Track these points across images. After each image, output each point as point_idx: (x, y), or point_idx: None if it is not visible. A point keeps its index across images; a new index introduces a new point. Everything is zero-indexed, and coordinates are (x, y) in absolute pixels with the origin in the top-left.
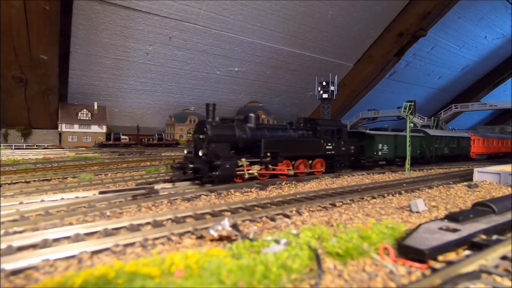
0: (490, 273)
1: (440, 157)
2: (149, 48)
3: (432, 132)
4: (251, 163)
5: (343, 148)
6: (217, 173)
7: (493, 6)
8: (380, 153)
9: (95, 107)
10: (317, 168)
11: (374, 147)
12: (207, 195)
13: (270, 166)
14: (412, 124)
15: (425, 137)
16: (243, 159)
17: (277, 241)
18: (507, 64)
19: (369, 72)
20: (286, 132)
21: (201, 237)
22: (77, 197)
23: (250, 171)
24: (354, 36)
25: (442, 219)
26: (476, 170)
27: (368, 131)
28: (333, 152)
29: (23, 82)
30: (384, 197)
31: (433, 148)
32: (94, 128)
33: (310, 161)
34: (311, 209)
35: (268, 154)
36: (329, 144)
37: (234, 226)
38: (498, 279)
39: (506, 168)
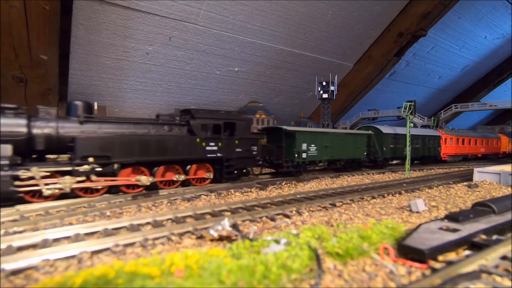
0: (490, 273)
1: (400, 159)
2: (149, 48)
3: (387, 129)
4: (56, 174)
5: (238, 149)
6: None
7: (493, 6)
8: (304, 155)
9: (95, 107)
10: (200, 175)
11: (295, 147)
12: (207, 195)
13: (96, 178)
14: (412, 124)
15: (377, 136)
16: (34, 168)
17: (277, 241)
18: (507, 64)
19: (369, 72)
20: (137, 128)
21: (201, 237)
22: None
23: (53, 186)
24: (354, 36)
25: (442, 219)
26: (476, 170)
27: (286, 127)
28: (219, 154)
29: (23, 82)
30: (384, 197)
31: (387, 149)
32: None
33: (189, 166)
34: (311, 209)
35: (91, 159)
36: (212, 144)
37: (234, 226)
38: (498, 279)
39: (506, 168)
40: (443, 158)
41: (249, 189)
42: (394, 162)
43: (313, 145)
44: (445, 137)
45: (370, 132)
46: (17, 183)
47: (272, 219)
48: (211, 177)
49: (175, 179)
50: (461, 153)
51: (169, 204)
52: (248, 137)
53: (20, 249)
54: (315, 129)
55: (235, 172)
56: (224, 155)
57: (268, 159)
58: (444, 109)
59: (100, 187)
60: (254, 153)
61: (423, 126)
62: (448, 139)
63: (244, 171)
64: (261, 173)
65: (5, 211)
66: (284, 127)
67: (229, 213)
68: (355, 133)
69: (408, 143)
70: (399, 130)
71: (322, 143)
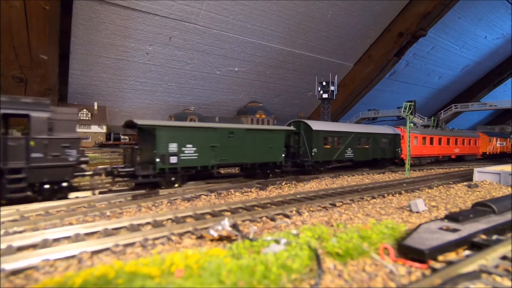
0: (490, 273)
1: (341, 163)
2: (149, 48)
3: (320, 125)
4: None
5: (35, 155)
6: None
7: (493, 6)
8: (174, 159)
9: (95, 107)
10: None
11: (156, 148)
12: (207, 195)
13: None
14: (412, 124)
15: (306, 133)
16: None
17: (277, 241)
18: (507, 64)
19: (369, 72)
20: None
21: (201, 237)
22: (77, 197)
23: None
24: (354, 36)
25: (442, 219)
26: (476, 170)
27: (141, 120)
28: None
29: (23, 82)
30: (384, 197)
31: (320, 151)
32: (94, 128)
33: None
34: (311, 209)
35: None
36: None
37: (234, 226)
38: (498, 279)
39: (506, 168)
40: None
41: (249, 189)
42: (332, 166)
43: (189, 145)
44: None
45: (291, 128)
46: None
47: (272, 219)
48: None
49: None
50: (429, 154)
51: (169, 204)
52: (57, 137)
53: (20, 249)
54: (194, 123)
55: (38, 188)
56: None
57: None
58: (444, 109)
59: None
60: (72, 159)
61: (424, 126)
62: (412, 138)
63: (64, 185)
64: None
65: (5, 211)
66: (139, 120)
67: (229, 213)
68: (265, 129)
69: (408, 143)
70: (338, 127)
71: (206, 143)
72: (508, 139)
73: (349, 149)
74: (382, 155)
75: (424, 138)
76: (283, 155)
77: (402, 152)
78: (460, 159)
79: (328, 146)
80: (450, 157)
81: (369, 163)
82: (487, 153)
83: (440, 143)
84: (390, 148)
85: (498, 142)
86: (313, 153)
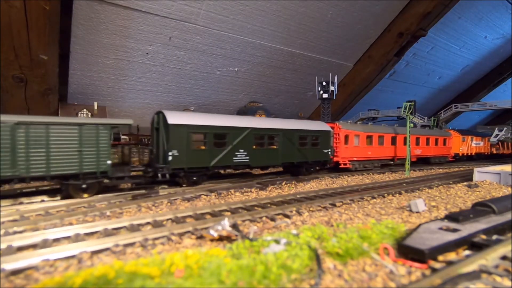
0: (490, 273)
1: (225, 168)
2: (149, 48)
3: (184, 118)
4: None
5: None
6: None
7: (493, 6)
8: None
9: (95, 107)
10: None
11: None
12: (207, 195)
13: None
14: (412, 124)
15: (164, 130)
16: None
17: (277, 241)
18: (507, 64)
19: (369, 72)
20: None
21: (201, 237)
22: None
23: None
24: (354, 36)
25: (442, 219)
26: (476, 170)
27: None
28: None
29: (23, 82)
30: (384, 197)
31: (183, 153)
32: None
33: None
34: (311, 209)
35: None
36: None
37: (234, 226)
38: (498, 279)
39: (506, 168)
40: (341, 165)
41: (249, 189)
42: (210, 174)
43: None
44: (344, 133)
45: (114, 122)
46: None
47: (272, 219)
48: None
49: None
50: (375, 157)
51: (169, 204)
52: None
53: (20, 249)
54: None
55: None
56: None
57: None
58: (444, 109)
59: None
60: None
61: (423, 126)
62: (351, 137)
63: None
64: None
65: (5, 211)
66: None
67: (229, 213)
68: (65, 122)
69: (408, 143)
70: (220, 120)
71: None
72: (486, 139)
73: (242, 150)
74: (301, 158)
75: (369, 137)
76: (108, 161)
77: (336, 153)
78: (425, 161)
79: (201, 147)
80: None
81: (290, 170)
82: (460, 154)
83: (393, 142)
84: (315, 149)
85: (474, 142)
86: (170, 157)
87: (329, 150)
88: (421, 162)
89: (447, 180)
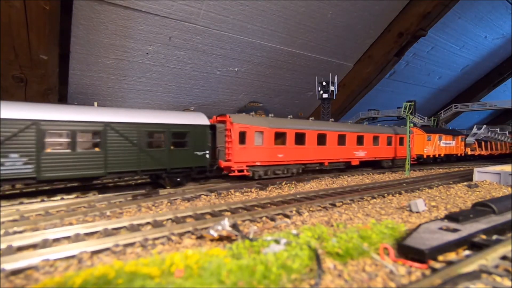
0: (490, 273)
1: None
2: (149, 48)
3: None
4: None
5: None
6: None
7: (493, 6)
8: None
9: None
10: None
11: None
12: (207, 195)
13: None
14: (412, 124)
15: None
16: None
17: (277, 241)
18: (507, 64)
19: (369, 72)
20: None
21: (201, 237)
22: (77, 197)
23: None
24: (354, 36)
25: (442, 219)
26: (476, 170)
27: None
28: None
29: (23, 82)
30: (384, 197)
31: None
32: None
33: None
34: (311, 209)
35: None
36: None
37: (234, 226)
38: (498, 279)
39: (506, 168)
40: (235, 172)
41: (249, 189)
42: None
43: None
44: (239, 129)
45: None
46: None
47: (272, 219)
48: None
49: None
50: (292, 160)
51: (169, 204)
52: None
53: (20, 249)
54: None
55: None
56: None
57: None
58: (444, 109)
59: None
60: None
61: (423, 126)
62: (249, 134)
63: None
64: None
65: (5, 211)
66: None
67: (229, 213)
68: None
69: (408, 143)
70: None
71: None
72: (458, 137)
73: (15, 156)
74: (150, 165)
75: (280, 135)
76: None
77: (228, 156)
78: (372, 164)
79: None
80: (350, 163)
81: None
82: (425, 156)
83: (322, 142)
84: (181, 151)
85: (443, 141)
86: None
87: (207, 152)
88: (370, 165)
89: (447, 180)
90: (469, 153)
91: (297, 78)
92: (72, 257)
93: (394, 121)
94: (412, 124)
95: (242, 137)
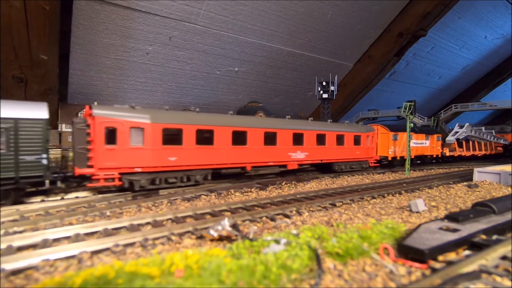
0: (490, 273)
1: None
2: (149, 48)
3: None
4: None
5: None
6: None
7: (493, 6)
8: None
9: None
10: None
11: None
12: (207, 195)
13: None
14: (412, 124)
15: None
16: None
17: (277, 241)
18: (507, 64)
19: (369, 72)
20: None
21: (201, 237)
22: (77, 197)
23: None
24: (354, 36)
25: (442, 219)
26: (476, 170)
27: None
28: None
29: (23, 82)
30: (384, 197)
31: None
32: None
33: None
34: (311, 209)
35: None
36: None
37: (234, 226)
38: (498, 279)
39: (506, 168)
40: (101, 181)
41: (249, 189)
42: None
43: None
44: (105, 123)
45: None
46: None
47: (272, 219)
48: None
49: None
50: (199, 165)
51: (169, 204)
52: None
53: (20, 249)
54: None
55: None
56: None
57: None
58: (444, 109)
59: None
60: None
61: (423, 126)
62: (122, 131)
63: None
64: None
65: (5, 211)
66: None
67: (229, 213)
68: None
69: (408, 143)
70: None
71: None
72: (433, 137)
73: None
74: None
75: (174, 132)
76: None
77: (92, 160)
78: (323, 168)
79: None
80: (286, 167)
81: None
82: (389, 157)
83: (240, 141)
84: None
85: (414, 141)
86: None
87: (43, 156)
88: (321, 169)
89: (447, 180)
90: (447, 154)
91: (297, 78)
92: (72, 257)
93: (394, 121)
94: (412, 125)
95: (111, 134)
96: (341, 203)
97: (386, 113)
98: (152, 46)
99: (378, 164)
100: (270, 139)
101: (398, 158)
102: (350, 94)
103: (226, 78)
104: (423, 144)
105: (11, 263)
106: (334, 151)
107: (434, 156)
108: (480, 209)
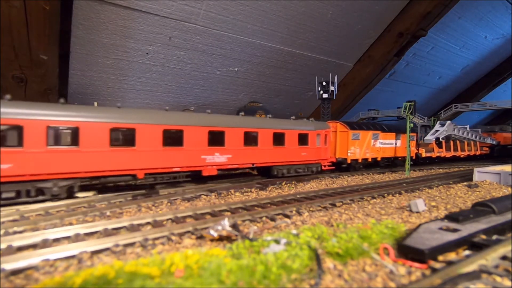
0: (490, 273)
1: None
2: (149, 48)
3: None
4: None
5: None
6: None
7: (493, 6)
8: None
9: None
10: None
11: None
12: (207, 195)
13: None
14: (412, 124)
15: None
16: None
17: (277, 241)
18: (507, 64)
19: (369, 72)
20: None
21: (201, 237)
22: (77, 197)
23: None
24: (354, 36)
25: (442, 219)
26: (476, 170)
27: None
28: None
29: (23, 82)
30: (384, 197)
31: None
32: None
33: None
34: (311, 209)
35: None
36: None
37: (234, 226)
38: (498, 279)
39: (506, 168)
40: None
41: (249, 189)
42: None
43: None
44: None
45: None
46: None
47: (272, 219)
48: None
49: None
50: (55, 173)
51: (169, 204)
52: None
53: (20, 249)
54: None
55: None
56: None
57: None
58: (444, 109)
59: None
60: None
61: (423, 126)
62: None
63: None
64: None
65: (5, 211)
66: None
67: (229, 213)
68: None
69: (408, 143)
70: None
71: None
72: (405, 136)
73: None
74: None
75: (11, 130)
76: None
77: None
78: (263, 172)
79: None
80: (201, 173)
81: None
82: (349, 160)
83: (124, 142)
84: None
85: (380, 141)
86: None
87: None
88: (260, 173)
89: (447, 180)
90: (424, 155)
91: (297, 78)
92: (72, 257)
93: (394, 121)
94: (412, 125)
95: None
96: (341, 203)
97: (386, 113)
98: (152, 46)
99: (333, 167)
100: (173, 139)
101: (360, 160)
102: (350, 94)
103: (226, 78)
104: (392, 145)
105: (11, 263)
106: (271, 152)
107: (405, 157)
108: (480, 209)
